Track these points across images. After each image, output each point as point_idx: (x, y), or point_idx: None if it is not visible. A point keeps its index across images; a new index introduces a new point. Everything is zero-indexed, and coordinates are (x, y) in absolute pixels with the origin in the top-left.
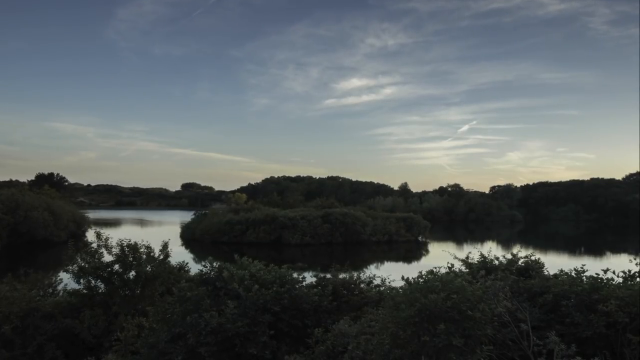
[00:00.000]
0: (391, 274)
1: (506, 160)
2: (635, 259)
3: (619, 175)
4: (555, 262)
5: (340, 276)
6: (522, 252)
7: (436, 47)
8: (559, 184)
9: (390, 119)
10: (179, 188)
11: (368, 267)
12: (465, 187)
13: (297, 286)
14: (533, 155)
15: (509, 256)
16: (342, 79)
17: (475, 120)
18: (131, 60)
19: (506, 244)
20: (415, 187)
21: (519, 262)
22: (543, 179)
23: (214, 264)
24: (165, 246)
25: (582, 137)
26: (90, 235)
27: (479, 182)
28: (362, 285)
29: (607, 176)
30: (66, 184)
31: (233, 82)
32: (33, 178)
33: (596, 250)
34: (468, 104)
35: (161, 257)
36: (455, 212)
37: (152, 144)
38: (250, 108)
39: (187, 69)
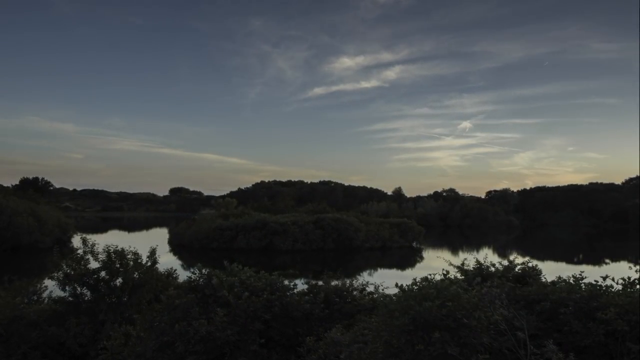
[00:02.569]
0: (385, 280)
1: (513, 162)
2: (635, 266)
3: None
4: (553, 269)
5: (333, 283)
6: (519, 259)
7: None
8: (557, 188)
9: (391, 113)
10: (167, 193)
11: (361, 273)
12: (465, 192)
13: (288, 293)
14: (540, 156)
15: (506, 263)
16: (334, 57)
17: (484, 114)
18: (85, 33)
19: (502, 250)
20: (412, 192)
21: (516, 269)
22: (549, 182)
23: (203, 270)
24: (152, 252)
25: (606, 133)
26: (76, 241)
27: (482, 186)
28: (354, 293)
29: (616, 180)
30: (51, 188)
31: (209, 65)
32: (17, 182)
33: (595, 256)
34: (486, 90)
35: (149, 263)
36: (450, 217)
37: (138, 142)
38: (240, 100)
39: (158, 48)
